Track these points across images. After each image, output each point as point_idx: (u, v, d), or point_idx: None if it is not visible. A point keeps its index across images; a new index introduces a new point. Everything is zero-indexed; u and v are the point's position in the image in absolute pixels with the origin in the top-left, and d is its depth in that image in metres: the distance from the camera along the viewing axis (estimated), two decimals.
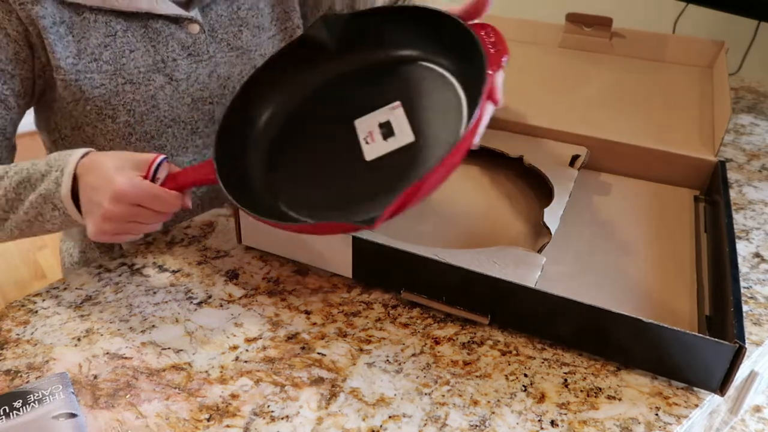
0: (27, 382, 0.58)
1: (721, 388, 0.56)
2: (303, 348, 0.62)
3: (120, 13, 0.73)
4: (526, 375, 0.59)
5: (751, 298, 0.69)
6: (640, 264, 0.70)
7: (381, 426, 0.54)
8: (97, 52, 0.73)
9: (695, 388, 0.57)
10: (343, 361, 0.60)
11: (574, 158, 0.81)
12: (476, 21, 0.63)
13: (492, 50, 0.60)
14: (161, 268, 0.72)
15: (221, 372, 0.59)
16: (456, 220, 0.76)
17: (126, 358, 0.61)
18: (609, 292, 0.66)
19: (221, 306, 0.67)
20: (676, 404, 0.56)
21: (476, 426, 0.54)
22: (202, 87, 0.80)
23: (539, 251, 0.65)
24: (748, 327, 0.65)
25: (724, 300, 0.59)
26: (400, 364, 0.60)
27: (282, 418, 0.55)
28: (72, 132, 0.78)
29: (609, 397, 0.56)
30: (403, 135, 0.64)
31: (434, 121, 0.64)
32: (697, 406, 0.56)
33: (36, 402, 0.54)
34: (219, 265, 0.72)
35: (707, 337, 0.54)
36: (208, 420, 0.54)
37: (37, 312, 0.66)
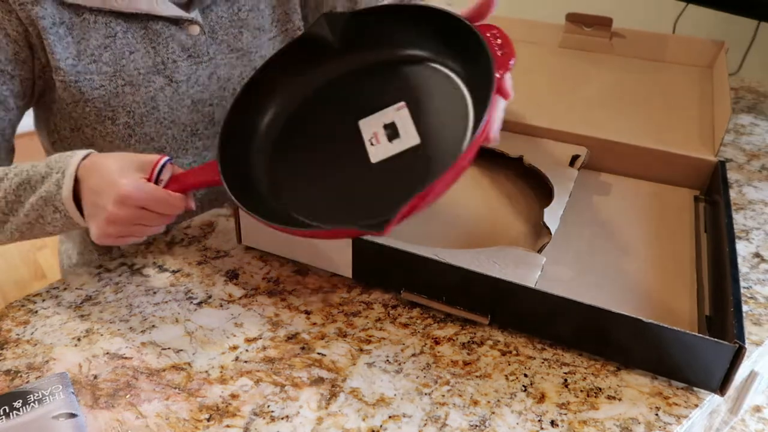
0: (27, 382, 0.58)
1: (721, 388, 0.56)
2: (303, 348, 0.62)
3: (120, 14, 0.73)
4: (526, 375, 0.59)
5: (751, 298, 0.69)
6: (640, 264, 0.70)
7: (381, 426, 0.54)
8: (96, 54, 0.73)
9: (695, 388, 0.57)
10: (343, 361, 0.60)
11: (574, 158, 0.81)
12: (482, 22, 0.63)
13: (499, 52, 0.59)
14: (161, 268, 0.72)
15: (221, 372, 0.59)
16: (456, 220, 0.76)
17: (126, 358, 0.61)
18: (609, 292, 0.66)
19: (221, 306, 0.67)
20: (676, 404, 0.56)
21: (476, 426, 0.54)
22: (202, 89, 0.80)
23: (539, 251, 0.65)
24: (748, 327, 0.65)
25: (724, 300, 0.59)
26: (400, 364, 0.60)
27: (282, 418, 0.55)
28: (71, 133, 0.78)
29: (609, 397, 0.56)
30: (409, 137, 0.63)
31: (440, 123, 0.63)
32: (697, 406, 0.56)
33: (36, 402, 0.54)
34: (219, 265, 0.72)
35: (707, 337, 0.54)
36: (208, 420, 0.54)
37: (37, 312, 0.66)
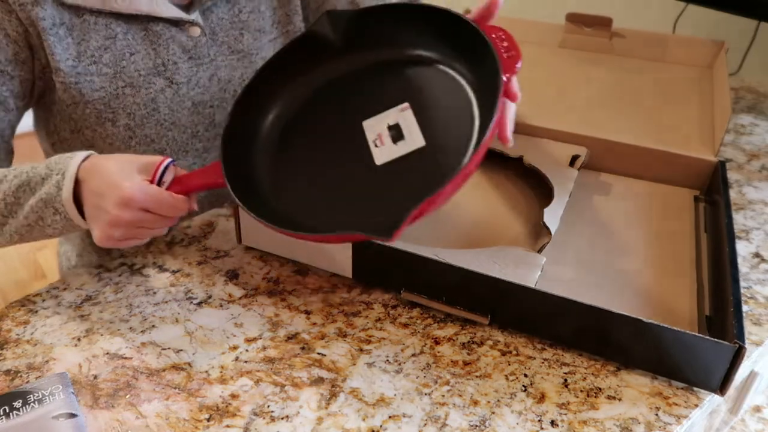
0: (27, 382, 0.58)
1: (721, 388, 0.56)
2: (303, 348, 0.62)
3: (120, 15, 0.73)
4: (526, 375, 0.59)
5: (751, 298, 0.69)
6: (640, 264, 0.70)
7: (381, 426, 0.54)
8: (97, 55, 0.73)
9: (695, 388, 0.57)
10: (343, 361, 0.60)
11: (574, 158, 0.81)
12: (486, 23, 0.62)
13: (505, 55, 0.58)
14: (161, 268, 0.72)
15: (221, 372, 0.59)
16: (456, 220, 0.76)
17: (126, 358, 0.61)
18: (609, 292, 0.66)
19: (221, 306, 0.67)
20: (676, 404, 0.56)
21: (476, 426, 0.54)
22: (203, 90, 0.80)
23: (539, 251, 0.65)
24: (748, 327, 0.64)
25: (724, 300, 0.59)
26: (400, 364, 0.60)
27: (282, 418, 0.55)
28: (71, 135, 0.77)
29: (609, 397, 0.56)
30: (413, 139, 0.62)
31: (444, 125, 0.62)
32: (697, 406, 0.56)
33: (36, 402, 0.54)
34: (219, 265, 0.72)
35: (707, 337, 0.54)
36: (208, 420, 0.54)
37: (37, 312, 0.66)
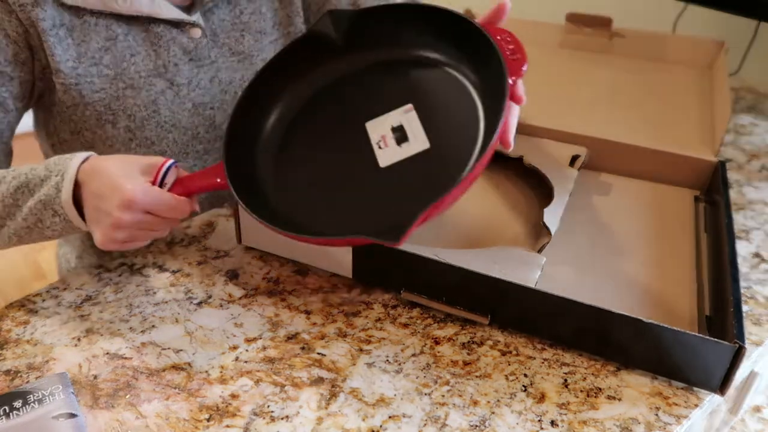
0: (27, 382, 0.58)
1: (721, 388, 0.56)
2: (303, 348, 0.62)
3: (121, 16, 0.73)
4: (526, 375, 0.59)
5: (751, 298, 0.69)
6: (640, 264, 0.70)
7: (381, 426, 0.54)
8: (97, 56, 0.72)
9: (695, 388, 0.57)
10: (343, 361, 0.60)
11: (574, 158, 0.81)
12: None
13: (511, 57, 0.58)
14: (161, 268, 0.72)
15: (221, 372, 0.59)
16: (456, 220, 0.76)
17: (126, 358, 0.61)
18: (609, 292, 0.66)
19: (221, 306, 0.67)
20: (676, 404, 0.56)
21: (476, 426, 0.54)
22: (204, 92, 0.79)
23: (539, 251, 0.65)
24: (748, 327, 0.65)
25: (724, 300, 0.59)
26: (400, 364, 0.60)
27: (282, 418, 0.55)
28: (71, 136, 0.77)
29: (609, 397, 0.56)
30: (418, 141, 0.61)
31: (449, 127, 0.62)
32: (697, 406, 0.56)
33: (36, 402, 0.54)
34: (219, 265, 0.72)
35: (707, 337, 0.54)
36: (208, 420, 0.54)
37: (37, 312, 0.66)
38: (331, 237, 0.60)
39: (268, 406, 0.56)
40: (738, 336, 0.53)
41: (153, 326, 0.64)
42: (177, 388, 0.57)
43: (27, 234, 0.64)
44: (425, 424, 0.54)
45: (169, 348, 0.62)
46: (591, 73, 1.02)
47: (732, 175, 0.91)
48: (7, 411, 0.53)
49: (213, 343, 0.62)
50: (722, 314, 0.58)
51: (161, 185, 0.61)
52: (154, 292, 0.69)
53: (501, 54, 0.57)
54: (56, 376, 0.57)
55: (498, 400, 0.56)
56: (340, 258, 0.68)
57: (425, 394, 0.57)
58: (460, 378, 0.58)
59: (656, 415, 0.55)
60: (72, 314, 0.66)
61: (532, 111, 0.88)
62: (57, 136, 0.78)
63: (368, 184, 0.63)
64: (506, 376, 0.58)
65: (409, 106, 0.63)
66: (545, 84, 0.99)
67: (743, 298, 0.68)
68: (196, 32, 0.77)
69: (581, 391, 0.57)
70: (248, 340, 0.62)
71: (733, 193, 0.86)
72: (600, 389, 0.57)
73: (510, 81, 0.56)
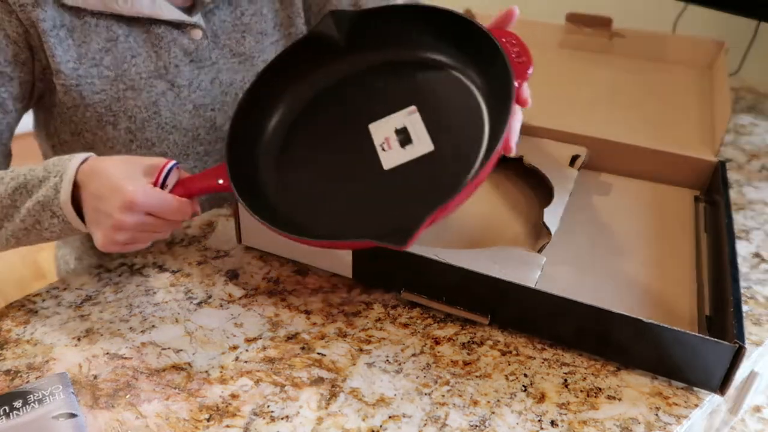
0: (27, 382, 0.58)
1: (721, 388, 0.56)
2: (303, 348, 0.62)
3: (122, 17, 0.72)
4: (526, 375, 0.59)
5: (751, 298, 0.69)
6: (640, 264, 0.70)
7: (381, 426, 0.54)
8: (98, 57, 0.72)
9: (695, 388, 0.57)
10: (343, 361, 0.60)
11: (574, 158, 0.81)
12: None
13: (517, 60, 0.57)
14: (161, 268, 0.72)
15: (221, 372, 0.59)
16: (456, 220, 0.76)
17: (126, 358, 0.61)
18: (609, 292, 0.66)
19: (221, 306, 0.67)
20: (676, 404, 0.56)
21: (476, 426, 0.54)
22: (204, 93, 0.79)
23: (539, 251, 0.65)
24: (748, 327, 0.65)
25: (724, 300, 0.59)
26: (400, 364, 0.60)
27: (282, 418, 0.55)
28: (71, 138, 0.77)
29: (609, 397, 0.56)
30: (422, 143, 0.61)
31: (453, 130, 0.61)
32: (697, 406, 0.56)
33: (36, 402, 0.54)
34: (219, 265, 0.72)
35: (707, 337, 0.54)
36: (208, 420, 0.54)
37: (37, 312, 0.66)
38: (335, 240, 0.59)
39: (268, 406, 0.56)
40: (738, 336, 0.53)
41: (153, 326, 0.64)
42: (177, 388, 0.57)
43: (25, 236, 0.63)
44: (425, 424, 0.54)
45: (169, 348, 0.62)
46: (591, 73, 1.02)
47: (732, 175, 0.91)
48: (7, 411, 0.53)
49: (213, 343, 0.62)
50: (722, 314, 0.58)
51: (162, 187, 0.60)
52: (154, 292, 0.69)
53: (507, 57, 0.57)
54: (56, 376, 0.57)
55: (498, 400, 0.56)
56: (340, 258, 0.68)
57: (425, 394, 0.57)
58: (460, 378, 0.58)
59: (656, 415, 0.55)
60: (72, 314, 0.66)
61: (532, 111, 0.88)
62: (57, 137, 0.78)
63: (371, 186, 0.62)
64: (506, 376, 0.58)
65: (413, 107, 0.63)
66: (545, 84, 0.98)
67: (743, 298, 0.68)
68: (197, 33, 0.77)
69: (581, 391, 0.57)
70: (248, 340, 0.62)
71: (733, 193, 0.86)
72: (600, 389, 0.57)
73: (515, 84, 0.56)
